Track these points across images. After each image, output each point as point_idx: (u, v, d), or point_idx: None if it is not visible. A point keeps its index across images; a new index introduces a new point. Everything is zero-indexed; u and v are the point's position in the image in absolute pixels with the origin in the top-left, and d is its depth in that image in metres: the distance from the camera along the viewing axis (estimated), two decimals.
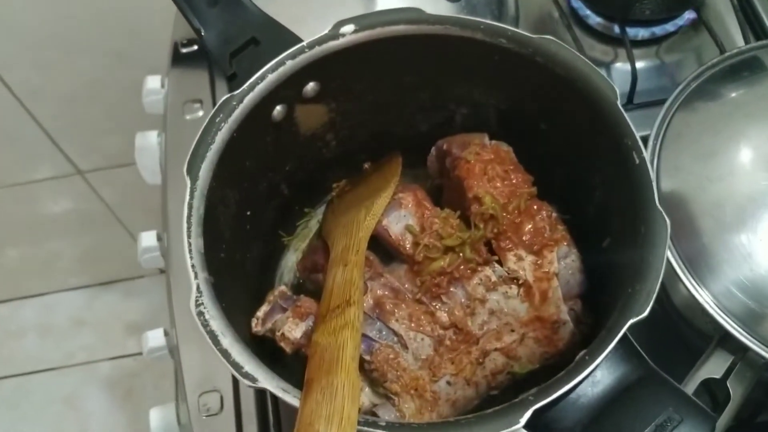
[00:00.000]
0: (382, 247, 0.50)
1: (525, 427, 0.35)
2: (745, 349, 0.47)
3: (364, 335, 0.45)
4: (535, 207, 0.49)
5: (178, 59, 0.76)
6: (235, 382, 0.60)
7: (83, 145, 1.27)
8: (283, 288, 0.50)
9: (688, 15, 0.72)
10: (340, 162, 0.58)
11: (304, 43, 0.46)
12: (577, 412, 0.37)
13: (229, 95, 0.45)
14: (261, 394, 0.60)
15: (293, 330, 0.46)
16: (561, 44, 0.45)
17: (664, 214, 0.39)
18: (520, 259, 0.48)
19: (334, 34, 0.47)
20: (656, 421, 0.35)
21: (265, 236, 0.55)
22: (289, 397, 0.36)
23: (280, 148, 0.51)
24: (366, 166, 0.58)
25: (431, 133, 0.56)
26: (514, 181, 0.49)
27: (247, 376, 0.37)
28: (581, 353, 0.38)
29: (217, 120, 0.44)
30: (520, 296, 0.48)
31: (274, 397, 0.59)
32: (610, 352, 0.36)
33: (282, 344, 0.46)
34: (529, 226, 0.48)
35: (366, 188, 0.55)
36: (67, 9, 0.96)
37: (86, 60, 1.06)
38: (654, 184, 0.40)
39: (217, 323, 0.39)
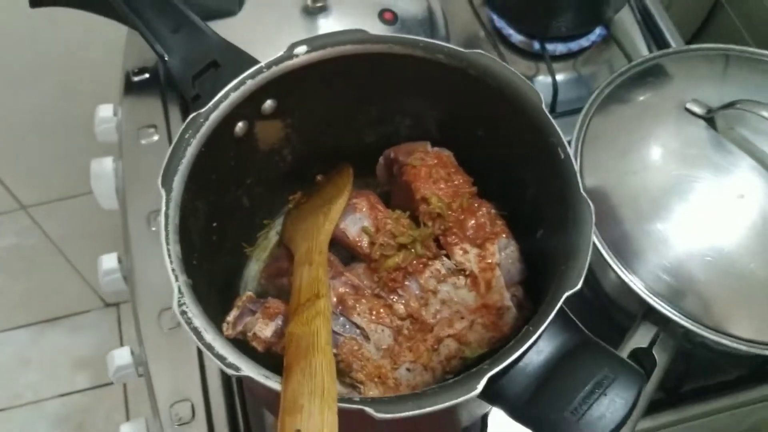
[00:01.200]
0: (341, 251, 0.55)
1: (482, 395, 0.40)
2: (667, 320, 0.53)
3: None
4: (476, 205, 0.54)
5: (130, 88, 0.79)
6: (205, 391, 0.63)
7: (27, 179, 1.27)
8: (250, 293, 0.54)
9: (600, 31, 0.80)
10: (295, 175, 0.62)
11: (262, 64, 0.51)
12: (525, 378, 0.42)
13: (196, 113, 0.49)
14: (230, 401, 0.63)
15: (264, 329, 0.50)
16: (490, 57, 0.51)
17: (588, 200, 0.45)
18: (465, 252, 0.53)
19: (289, 54, 0.51)
20: (594, 380, 0.40)
21: (230, 247, 0.59)
22: (272, 382, 0.40)
23: (242, 162, 0.55)
24: (319, 178, 0.63)
25: (378, 144, 0.61)
26: (456, 183, 0.55)
27: (231, 366, 0.40)
28: (526, 327, 0.43)
29: (186, 136, 0.48)
30: (468, 286, 0.53)
31: (244, 404, 0.63)
32: (550, 322, 0.41)
33: (254, 344, 0.50)
34: (472, 222, 0.54)
35: (321, 198, 0.59)
36: (11, 42, 0.98)
37: (30, 93, 1.07)
38: (578, 175, 0.46)
39: (199, 321, 0.42)
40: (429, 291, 0.52)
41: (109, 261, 0.75)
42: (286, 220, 0.62)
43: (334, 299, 0.51)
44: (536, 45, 0.79)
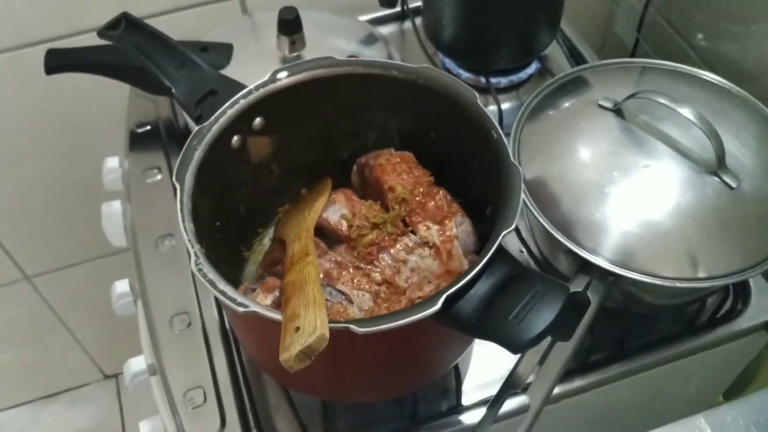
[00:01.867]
0: (325, 239, 0.66)
1: (441, 316, 0.50)
2: (596, 268, 0.64)
3: None
4: (434, 191, 0.66)
5: (134, 139, 0.91)
6: (215, 379, 0.72)
7: (29, 248, 1.33)
8: (251, 280, 0.64)
9: (536, 65, 0.95)
10: (283, 189, 0.73)
11: (251, 87, 0.63)
12: (476, 301, 0.52)
13: (200, 126, 0.61)
14: (236, 383, 0.72)
15: (263, 300, 0.60)
16: (434, 68, 0.64)
17: (516, 164, 0.57)
18: (428, 228, 0.64)
19: (272, 79, 0.64)
20: (529, 294, 0.51)
21: (230, 246, 0.69)
22: (274, 314, 0.50)
23: (238, 173, 0.67)
24: (303, 191, 0.74)
25: (350, 158, 0.73)
26: (416, 174, 0.66)
27: (241, 304, 0.50)
28: (476, 259, 0.54)
29: (194, 143, 0.60)
30: (432, 256, 0.64)
31: (248, 384, 0.73)
32: (493, 256, 0.52)
33: None
34: (432, 204, 0.65)
35: (305, 202, 0.71)
36: (12, 110, 1.05)
37: (31, 161, 1.14)
38: (510, 149, 0.58)
39: (213, 275, 0.53)
40: (400, 261, 0.63)
41: (122, 286, 0.85)
42: (277, 226, 0.73)
43: (321, 273, 0.61)
44: (482, 79, 0.92)
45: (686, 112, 0.63)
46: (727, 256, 0.64)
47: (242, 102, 0.63)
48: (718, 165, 0.64)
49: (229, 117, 0.62)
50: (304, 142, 0.71)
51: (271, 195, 0.73)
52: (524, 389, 0.66)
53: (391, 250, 0.63)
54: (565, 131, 0.71)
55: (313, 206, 0.66)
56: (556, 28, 0.92)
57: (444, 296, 0.50)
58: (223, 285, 0.52)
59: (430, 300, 0.51)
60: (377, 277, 0.62)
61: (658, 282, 0.63)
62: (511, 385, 0.63)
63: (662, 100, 0.65)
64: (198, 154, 0.60)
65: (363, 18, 1.00)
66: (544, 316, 0.50)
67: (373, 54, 0.89)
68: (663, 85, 0.73)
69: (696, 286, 0.64)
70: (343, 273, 0.62)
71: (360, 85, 0.66)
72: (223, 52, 0.85)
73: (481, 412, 0.64)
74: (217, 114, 0.62)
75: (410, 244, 0.64)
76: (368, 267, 0.63)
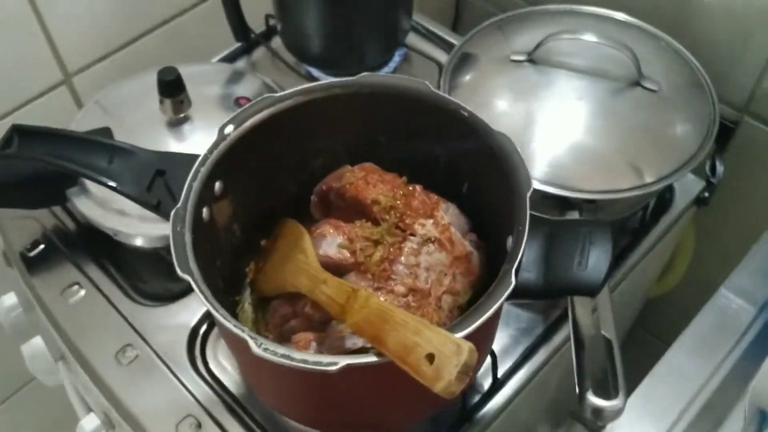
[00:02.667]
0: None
1: (513, 294, 0.51)
2: (579, 201, 0.69)
3: None
4: (411, 188, 0.66)
5: (31, 265, 0.81)
6: (201, 404, 0.69)
7: None
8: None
9: (399, 52, 0.97)
10: (246, 248, 0.69)
11: (205, 152, 0.59)
12: (534, 268, 0.54)
13: (175, 209, 0.55)
14: (229, 402, 0.69)
15: None
16: (373, 74, 0.63)
17: (502, 133, 0.58)
18: (423, 225, 0.64)
19: (222, 136, 0.60)
20: (578, 242, 0.53)
21: None
22: (368, 358, 0.48)
23: (212, 246, 0.62)
24: (263, 243, 0.71)
25: (301, 192, 0.70)
26: (388, 179, 0.66)
27: (331, 363, 0.47)
28: (514, 233, 0.55)
29: (178, 228, 0.54)
30: (437, 249, 0.64)
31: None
32: (528, 222, 0.54)
33: None
34: (416, 202, 0.65)
35: (280, 252, 0.67)
36: None
37: None
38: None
39: (282, 349, 0.49)
40: (413, 266, 0.62)
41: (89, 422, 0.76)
42: (255, 287, 0.69)
43: None
44: None
45: (593, 36, 0.69)
46: (665, 156, 0.72)
47: (203, 171, 0.58)
48: (638, 74, 0.70)
49: (196, 191, 0.57)
50: (254, 192, 0.67)
51: (238, 258, 0.69)
52: None
53: (402, 259, 0.62)
54: (488, 93, 0.75)
55: (301, 248, 0.63)
56: (410, 15, 0.95)
57: (513, 271, 0.51)
58: (299, 355, 0.49)
59: (501, 282, 0.51)
60: (401, 289, 0.61)
61: (625, 195, 0.69)
62: None
63: (566, 36, 0.70)
64: (187, 238, 0.55)
65: (215, 60, 0.97)
66: (604, 253, 0.53)
67: (254, 86, 0.87)
68: (556, 25, 0.78)
69: (649, 191, 0.70)
70: None
71: (303, 115, 0.64)
72: (105, 136, 0.78)
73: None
74: (185, 191, 0.57)
75: (415, 246, 0.63)
76: (388, 283, 0.61)
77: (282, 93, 0.63)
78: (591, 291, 0.52)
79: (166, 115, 0.80)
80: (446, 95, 0.61)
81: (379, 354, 0.48)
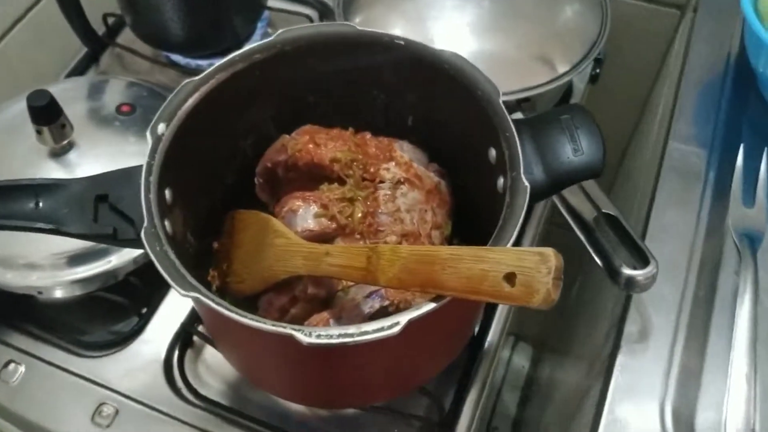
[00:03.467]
0: None
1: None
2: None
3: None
4: (360, 137, 0.63)
5: None
6: None
7: None
8: None
9: (261, 25, 0.90)
10: (202, 255, 0.63)
11: (147, 159, 0.52)
12: (536, 169, 0.52)
13: (143, 228, 0.48)
14: None
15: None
16: (290, 29, 0.58)
17: (451, 51, 0.56)
18: (387, 170, 0.61)
19: (157, 138, 0.53)
20: (565, 131, 0.52)
21: None
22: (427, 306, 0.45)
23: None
24: (215, 246, 0.64)
25: (238, 181, 0.65)
26: (336, 135, 0.62)
27: (393, 325, 0.44)
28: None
29: (157, 248, 0.48)
30: (409, 188, 0.61)
31: None
32: (515, 123, 0.53)
33: None
34: (372, 149, 0.62)
35: (246, 246, 0.61)
36: None
37: None
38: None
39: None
40: (395, 211, 0.60)
41: None
42: (223, 293, 0.62)
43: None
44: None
45: None
46: (572, 44, 0.74)
47: (153, 180, 0.51)
48: None
49: (155, 203, 0.51)
50: (197, 193, 0.61)
51: (197, 269, 0.62)
52: None
53: (381, 208, 0.59)
54: (385, 19, 0.72)
55: (274, 232, 0.58)
56: None
57: (521, 174, 0.50)
58: (354, 329, 0.45)
59: (515, 189, 0.50)
60: (393, 238, 0.59)
61: (556, 84, 0.70)
62: None
63: None
64: (171, 254, 0.48)
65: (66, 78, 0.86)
66: (593, 132, 0.53)
67: (133, 91, 0.78)
68: None
69: (570, 77, 0.72)
70: None
71: (229, 93, 0.58)
72: None
73: None
74: (144, 207, 0.50)
75: (388, 192, 0.60)
76: (378, 236, 0.58)
77: (201, 75, 0.56)
78: (595, 172, 0.52)
79: (46, 145, 0.70)
80: (375, 30, 0.58)
81: (437, 298, 0.45)
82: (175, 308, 0.72)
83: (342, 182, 0.61)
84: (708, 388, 0.55)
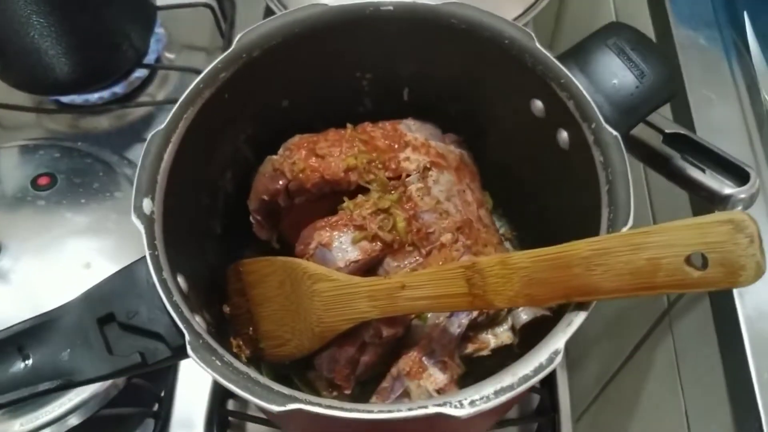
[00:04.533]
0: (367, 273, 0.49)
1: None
2: None
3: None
4: (362, 129, 0.52)
5: None
6: None
7: None
8: None
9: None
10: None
11: (147, 252, 0.39)
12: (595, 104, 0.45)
13: (188, 341, 0.36)
14: None
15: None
16: (248, 32, 0.46)
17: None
18: (407, 158, 0.51)
19: (149, 219, 0.40)
20: (617, 51, 0.45)
21: None
22: None
23: None
24: (226, 310, 0.52)
25: (227, 228, 0.53)
26: (335, 137, 0.51)
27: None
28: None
29: (213, 359, 0.36)
30: (438, 171, 0.52)
31: None
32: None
33: None
34: (380, 141, 0.51)
35: (272, 303, 0.50)
36: None
37: None
38: None
39: None
40: (436, 204, 0.50)
41: None
42: (261, 358, 0.52)
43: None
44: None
45: None
46: None
47: (165, 275, 0.39)
48: None
49: (182, 301, 0.39)
50: (194, 259, 0.48)
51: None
52: None
53: (421, 206, 0.50)
54: None
55: (311, 277, 0.47)
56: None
57: (601, 121, 0.42)
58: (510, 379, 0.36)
59: (600, 138, 0.42)
60: (448, 236, 0.49)
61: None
62: None
63: None
64: (239, 365, 0.37)
65: None
66: (652, 49, 0.46)
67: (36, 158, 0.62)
68: None
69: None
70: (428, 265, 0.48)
71: (205, 130, 0.46)
72: None
73: None
74: (174, 313, 0.37)
75: (420, 185, 0.51)
76: (431, 240, 0.49)
77: (167, 121, 0.43)
78: (671, 92, 0.45)
79: None
80: (352, 1, 0.47)
81: (580, 305, 0.37)
82: (189, 392, 0.60)
83: (363, 191, 0.50)
84: None
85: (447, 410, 0.35)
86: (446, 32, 0.48)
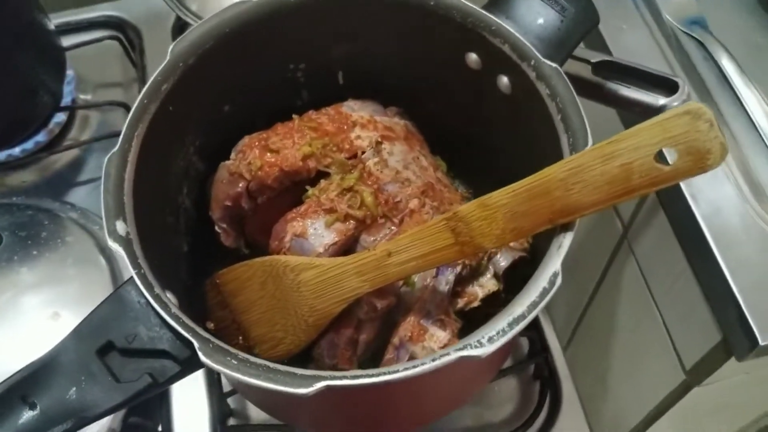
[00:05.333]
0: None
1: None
2: None
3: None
4: (306, 119, 0.52)
5: None
6: None
7: None
8: None
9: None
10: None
11: (133, 272, 0.38)
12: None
13: (200, 349, 0.36)
14: None
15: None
16: (183, 38, 0.46)
17: None
18: (358, 137, 0.52)
19: (126, 240, 0.39)
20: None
21: None
22: None
23: None
24: (210, 326, 0.52)
25: (193, 245, 0.52)
26: (284, 131, 0.51)
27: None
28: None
29: (234, 362, 0.36)
30: (390, 143, 0.53)
31: None
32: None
33: None
34: (328, 126, 0.52)
35: (256, 306, 0.50)
36: None
37: None
38: None
39: None
40: (396, 174, 0.51)
41: None
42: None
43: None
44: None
45: None
46: None
47: (158, 291, 0.38)
48: None
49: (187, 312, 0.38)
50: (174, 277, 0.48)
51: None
52: None
53: (381, 178, 0.51)
54: None
55: (294, 269, 0.47)
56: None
57: (541, 56, 0.44)
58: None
59: (542, 73, 0.44)
60: (415, 202, 0.50)
61: None
62: None
63: None
64: (255, 359, 0.37)
65: None
66: None
67: None
68: None
69: None
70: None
71: (158, 146, 0.45)
72: None
73: None
74: (178, 326, 0.37)
75: (376, 159, 0.51)
76: (400, 208, 0.50)
77: (120, 143, 0.42)
78: (594, 20, 0.48)
79: None
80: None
81: (565, 227, 0.39)
82: (187, 420, 0.58)
83: (322, 177, 0.50)
84: None
85: (468, 352, 0.36)
86: (372, 6, 0.49)
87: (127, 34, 0.74)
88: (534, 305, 0.37)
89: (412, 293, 0.48)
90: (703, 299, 0.54)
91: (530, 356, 0.62)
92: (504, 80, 0.48)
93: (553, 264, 0.38)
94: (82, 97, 0.73)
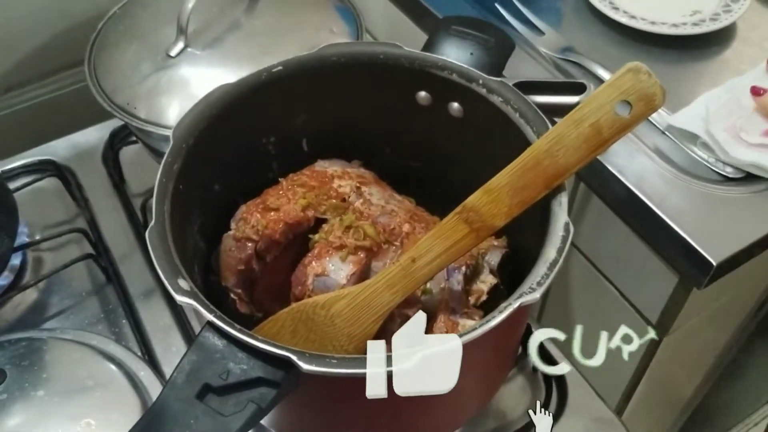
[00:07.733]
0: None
1: None
2: None
3: None
4: (295, 178, 0.58)
5: None
6: None
7: None
8: None
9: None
10: None
11: (197, 338, 0.41)
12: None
13: (300, 367, 0.40)
14: None
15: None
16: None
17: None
18: (339, 186, 0.58)
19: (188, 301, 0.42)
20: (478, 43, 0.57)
21: None
22: None
23: None
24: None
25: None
26: (276, 192, 0.56)
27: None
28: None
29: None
30: (367, 187, 0.59)
31: None
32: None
33: None
34: (312, 180, 0.58)
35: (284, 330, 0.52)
36: None
37: None
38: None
39: None
40: (382, 207, 0.57)
41: None
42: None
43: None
44: None
45: None
46: None
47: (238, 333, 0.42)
48: None
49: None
50: None
51: None
52: None
53: (371, 214, 0.57)
54: None
55: (324, 306, 0.51)
56: None
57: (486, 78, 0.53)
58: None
59: (492, 87, 0.53)
60: (406, 226, 0.56)
61: None
62: None
63: None
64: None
65: None
66: (477, 21, 0.58)
67: None
68: None
69: None
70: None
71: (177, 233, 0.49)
72: None
73: None
74: (266, 346, 0.40)
75: (360, 200, 0.58)
76: (394, 230, 0.56)
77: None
78: (511, 43, 0.58)
79: None
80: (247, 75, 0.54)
81: (558, 188, 0.47)
82: None
83: (322, 223, 0.56)
84: None
85: (526, 298, 0.42)
86: (329, 71, 0.56)
87: (62, 173, 0.76)
88: (560, 250, 0.44)
89: (433, 298, 0.54)
90: (653, 253, 0.64)
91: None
92: (455, 106, 0.56)
93: (562, 217, 0.45)
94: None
